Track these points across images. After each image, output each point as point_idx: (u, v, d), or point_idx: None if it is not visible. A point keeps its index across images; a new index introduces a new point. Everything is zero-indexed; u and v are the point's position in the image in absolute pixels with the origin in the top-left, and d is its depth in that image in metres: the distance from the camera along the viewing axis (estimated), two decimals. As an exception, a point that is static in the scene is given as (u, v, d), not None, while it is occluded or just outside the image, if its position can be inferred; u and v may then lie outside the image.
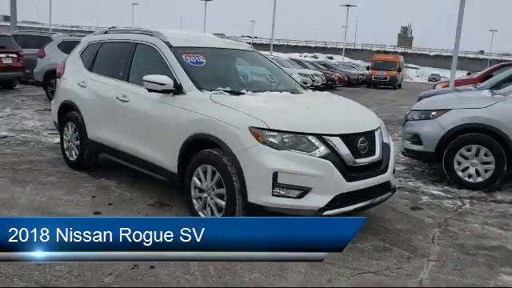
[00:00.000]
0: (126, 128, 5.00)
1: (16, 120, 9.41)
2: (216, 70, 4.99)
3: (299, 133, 3.72)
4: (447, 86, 14.04)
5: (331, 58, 70.15)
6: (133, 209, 4.68)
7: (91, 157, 5.84)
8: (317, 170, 3.65)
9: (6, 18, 61.55)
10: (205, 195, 4.09)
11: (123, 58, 5.29)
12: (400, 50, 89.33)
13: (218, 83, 4.60)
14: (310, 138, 3.73)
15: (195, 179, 4.15)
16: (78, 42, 12.03)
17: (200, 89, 4.36)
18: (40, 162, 6.26)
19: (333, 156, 3.74)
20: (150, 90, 4.48)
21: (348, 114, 4.34)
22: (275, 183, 3.60)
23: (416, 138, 6.14)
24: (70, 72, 6.06)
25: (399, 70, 35.44)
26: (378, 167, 4.10)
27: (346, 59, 64.54)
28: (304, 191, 3.64)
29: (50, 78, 11.90)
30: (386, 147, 4.26)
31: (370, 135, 4.13)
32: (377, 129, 4.27)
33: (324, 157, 3.70)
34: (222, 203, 3.92)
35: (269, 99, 4.27)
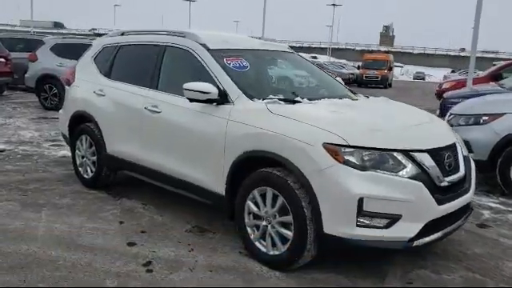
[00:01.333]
0: (156, 142, 4.37)
1: (11, 130, 8.67)
2: (261, 74, 4.40)
3: (384, 149, 3.15)
4: (455, 84, 13.63)
5: (315, 57, 69.66)
6: (170, 237, 4.05)
7: (109, 174, 5.19)
8: (407, 193, 3.08)
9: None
10: (263, 223, 3.49)
11: (149, 63, 4.65)
12: (383, 48, 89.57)
13: (267, 90, 4.02)
14: (395, 154, 3.16)
15: (250, 204, 3.55)
16: (73, 45, 11.44)
17: (250, 97, 3.76)
18: (49, 181, 5.58)
19: (422, 175, 3.17)
20: (192, 100, 3.86)
21: (427, 125, 3.78)
22: (360, 211, 3.02)
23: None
24: (83, 79, 5.39)
25: (390, 69, 35.22)
26: (463, 185, 3.56)
27: (332, 58, 64.26)
28: (393, 219, 3.07)
29: (43, 84, 11.17)
30: (467, 161, 3.72)
31: (453, 149, 3.58)
32: (457, 141, 3.73)
33: (413, 177, 3.13)
34: (288, 233, 3.32)
35: (334, 108, 3.68)
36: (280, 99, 3.74)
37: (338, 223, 3.08)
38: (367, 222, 3.05)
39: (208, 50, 4.20)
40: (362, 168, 3.07)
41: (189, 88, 3.81)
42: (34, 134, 8.42)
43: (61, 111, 5.85)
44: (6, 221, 4.26)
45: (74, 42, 11.45)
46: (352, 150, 3.12)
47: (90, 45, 10.76)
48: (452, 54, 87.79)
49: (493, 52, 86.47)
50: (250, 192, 3.54)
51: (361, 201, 3.00)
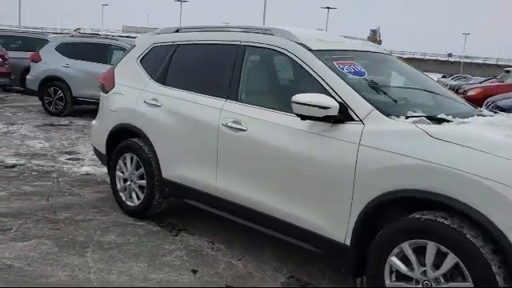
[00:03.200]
0: (238, 168, 3.43)
1: (17, 140, 7.59)
2: (382, 83, 3.46)
3: None
4: (485, 90, 12.89)
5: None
6: (266, 294, 3.10)
7: (162, 202, 4.21)
8: None
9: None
10: None
11: (223, 67, 3.71)
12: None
13: (401, 104, 3.09)
14: None
15: (395, 260, 2.62)
16: (81, 44, 10.36)
17: (386, 114, 2.83)
18: (81, 208, 4.57)
19: None
20: (304, 117, 2.91)
21: None
22: None
23: None
24: (126, 85, 4.41)
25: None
26: None
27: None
28: None
29: (48, 87, 10.09)
30: None
31: None
32: None
33: None
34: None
35: (502, 131, 2.76)
36: (426, 117, 2.82)
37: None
38: None
39: (310, 50, 3.26)
40: None
41: (301, 101, 2.87)
42: (45, 145, 7.36)
43: (94, 123, 4.84)
44: (44, 269, 3.28)
45: (82, 41, 10.39)
46: None
47: (104, 44, 9.86)
48: (441, 59, 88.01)
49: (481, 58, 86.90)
50: (395, 245, 2.61)
51: None
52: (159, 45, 4.33)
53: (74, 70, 9.93)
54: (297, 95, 2.89)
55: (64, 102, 10.03)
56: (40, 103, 10.92)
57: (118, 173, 4.45)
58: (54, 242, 3.74)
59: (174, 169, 3.91)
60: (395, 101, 3.16)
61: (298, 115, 2.94)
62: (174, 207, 4.47)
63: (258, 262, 3.56)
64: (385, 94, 3.23)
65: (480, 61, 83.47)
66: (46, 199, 4.78)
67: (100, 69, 9.56)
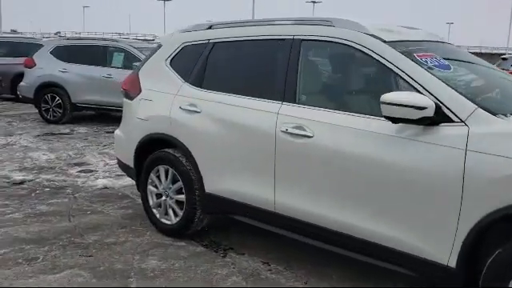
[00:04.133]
0: (303, 180, 3.00)
1: (18, 152, 7.06)
2: (469, 77, 3.04)
3: None
4: None
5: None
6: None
7: (204, 218, 3.77)
8: None
9: None
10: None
11: (274, 66, 3.29)
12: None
13: (501, 100, 2.69)
14: None
15: (519, 284, 2.21)
16: (79, 47, 9.79)
17: (492, 113, 2.42)
18: (109, 228, 4.11)
19: None
20: (396, 120, 2.49)
21: None
22: None
23: None
24: (156, 90, 3.95)
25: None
26: None
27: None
28: None
29: (45, 93, 9.54)
30: None
31: None
32: None
33: None
34: None
35: None
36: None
37: None
38: None
39: (384, 42, 2.84)
40: None
41: (392, 101, 2.45)
42: (50, 156, 6.84)
43: (119, 133, 4.37)
44: (88, 309, 2.80)
45: (79, 44, 9.82)
46: None
47: (103, 46, 9.32)
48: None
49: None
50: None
51: None
52: (191, 44, 3.88)
53: (72, 74, 9.39)
54: (387, 94, 2.47)
55: (62, 109, 9.48)
56: (35, 111, 10.36)
57: (150, 187, 3.99)
58: (89, 272, 3.28)
59: (220, 182, 3.47)
60: (496, 97, 2.75)
61: (387, 118, 2.52)
62: (212, 222, 4.02)
63: (328, 284, 3.13)
64: (480, 89, 2.82)
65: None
66: (68, 220, 4.31)
67: (100, 72, 9.07)
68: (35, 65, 9.73)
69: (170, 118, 3.73)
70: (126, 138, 4.20)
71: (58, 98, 9.49)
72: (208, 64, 3.69)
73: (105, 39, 9.69)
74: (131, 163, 4.15)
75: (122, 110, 8.97)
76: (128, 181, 5.52)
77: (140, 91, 4.08)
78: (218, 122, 3.43)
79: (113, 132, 8.97)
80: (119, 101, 9.03)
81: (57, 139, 8.09)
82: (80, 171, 6.06)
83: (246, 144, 3.26)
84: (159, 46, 4.18)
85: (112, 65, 9.30)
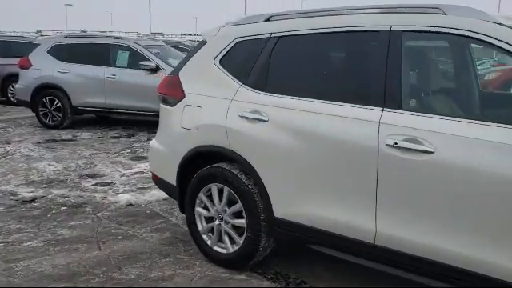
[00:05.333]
0: (419, 206, 2.42)
1: (21, 162, 6.37)
2: None
3: None
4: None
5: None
6: None
7: (268, 246, 3.17)
8: None
9: None
10: None
11: (365, 64, 2.72)
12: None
13: None
14: None
15: None
16: (79, 46, 9.05)
17: None
18: (149, 257, 3.50)
19: None
20: None
21: None
22: None
23: None
24: (205, 94, 3.33)
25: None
26: None
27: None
28: None
29: (43, 96, 8.82)
30: None
31: None
32: None
33: None
34: None
35: None
36: None
37: None
38: None
39: (514, 30, 2.28)
40: None
41: None
42: (57, 167, 6.17)
43: (156, 145, 3.74)
44: None
45: (79, 42, 9.08)
46: None
47: (106, 44, 8.62)
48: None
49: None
50: None
51: None
52: (246, 39, 3.26)
53: (73, 75, 8.68)
54: None
55: (62, 113, 8.77)
56: (30, 115, 9.66)
57: (199, 209, 3.37)
58: (143, 321, 2.66)
59: (296, 205, 2.87)
60: None
61: None
62: (274, 248, 3.42)
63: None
64: None
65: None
66: (97, 247, 3.68)
67: (103, 72, 8.39)
68: (31, 65, 9.00)
69: (225, 127, 3.12)
70: (166, 151, 3.57)
71: (57, 100, 8.79)
72: (272, 62, 3.09)
73: (108, 36, 8.96)
74: (173, 180, 3.53)
75: (128, 113, 8.44)
76: (153, 195, 4.92)
77: (183, 96, 3.46)
78: (292, 133, 2.83)
79: (119, 137, 8.37)
80: (126, 103, 8.42)
81: (60, 147, 7.40)
82: (95, 184, 5.41)
83: (335, 160, 2.67)
84: (203, 43, 3.56)
85: (117, 64, 8.62)
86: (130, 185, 5.38)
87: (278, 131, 2.89)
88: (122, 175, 5.79)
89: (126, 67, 8.54)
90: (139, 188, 5.25)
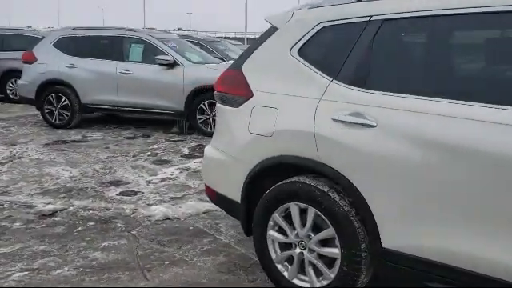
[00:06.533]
0: None
1: (31, 167, 5.72)
2: None
3: None
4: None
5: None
6: None
7: (366, 281, 2.55)
8: None
9: None
10: None
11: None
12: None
13: None
14: None
15: None
16: (88, 39, 8.35)
17: None
18: (212, 291, 2.86)
19: None
20: None
21: None
22: None
23: None
24: (281, 92, 2.73)
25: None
26: None
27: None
28: None
29: (49, 93, 8.14)
30: None
31: None
32: None
33: None
34: None
35: None
36: None
37: None
38: None
39: None
40: None
41: None
42: (73, 173, 5.52)
43: (213, 153, 3.11)
44: None
45: (89, 34, 8.39)
46: None
47: (118, 37, 7.93)
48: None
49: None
50: None
51: None
52: (334, 24, 2.64)
53: (82, 70, 8.01)
54: None
55: (70, 111, 8.11)
56: (33, 113, 9.02)
57: (273, 233, 2.75)
58: None
59: (418, 234, 2.25)
60: None
61: None
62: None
63: None
64: None
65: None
66: (143, 276, 3.06)
67: (115, 67, 7.73)
68: (36, 60, 8.31)
69: (314, 133, 2.50)
70: (228, 161, 2.95)
71: (64, 98, 8.12)
72: (374, 52, 2.46)
73: (120, 28, 8.28)
74: (236, 196, 2.91)
75: (142, 112, 7.75)
76: (191, 206, 4.33)
77: (251, 94, 2.84)
78: (415, 143, 2.21)
79: (133, 137, 7.67)
80: (140, 101, 7.75)
81: (72, 149, 6.74)
82: (121, 193, 4.77)
83: (481, 177, 2.05)
84: (272, 30, 2.93)
85: (130, 59, 7.96)
86: (161, 194, 4.76)
87: (393, 139, 2.27)
88: (149, 182, 5.16)
89: (140, 62, 7.88)
90: (172, 198, 4.63)
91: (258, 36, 3.19)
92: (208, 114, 7.55)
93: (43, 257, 3.32)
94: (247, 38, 41.67)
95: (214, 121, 7.54)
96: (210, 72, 7.55)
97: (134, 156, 6.35)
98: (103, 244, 3.56)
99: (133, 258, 3.31)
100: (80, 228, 3.87)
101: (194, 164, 5.92)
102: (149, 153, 6.54)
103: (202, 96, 7.48)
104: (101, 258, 3.33)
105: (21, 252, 3.39)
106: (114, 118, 9.17)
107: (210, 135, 7.36)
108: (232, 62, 8.96)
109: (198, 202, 4.49)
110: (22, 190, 4.86)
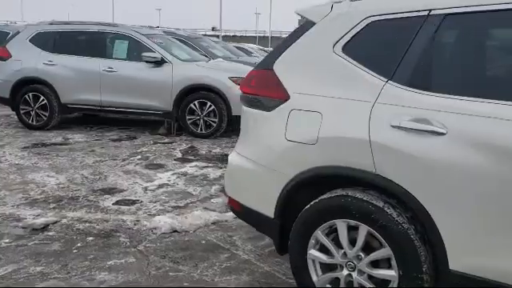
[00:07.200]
0: None
1: (12, 174, 5.25)
2: None
3: None
4: None
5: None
6: None
7: (424, 306, 2.28)
8: None
9: None
10: None
11: None
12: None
13: None
14: None
15: None
16: (68, 33, 7.81)
17: None
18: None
19: None
20: None
21: None
22: None
23: None
24: (325, 95, 2.43)
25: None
26: None
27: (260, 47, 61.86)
28: None
29: (25, 92, 7.60)
30: None
31: None
32: None
33: None
34: None
35: None
36: None
37: None
38: None
39: None
40: None
41: None
42: (60, 179, 5.09)
43: (241, 162, 2.77)
44: None
45: (68, 29, 7.86)
46: None
47: (99, 32, 7.46)
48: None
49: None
50: None
51: None
52: (386, 18, 2.36)
53: (62, 68, 7.51)
54: None
55: (49, 112, 7.59)
56: (5, 112, 8.46)
57: (315, 253, 2.46)
58: None
59: (489, 255, 2.00)
60: None
61: None
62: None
63: None
64: None
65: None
66: (162, 304, 2.69)
67: (98, 65, 7.27)
68: (10, 56, 7.76)
69: (369, 141, 2.20)
70: (259, 171, 2.63)
71: (42, 97, 7.59)
72: (437, 50, 2.19)
73: (102, 24, 7.80)
74: (269, 211, 2.59)
75: (127, 112, 7.29)
76: (198, 217, 4.00)
77: (286, 97, 2.52)
78: (498, 154, 1.94)
79: (119, 140, 7.20)
80: (125, 101, 7.29)
81: (54, 152, 6.27)
82: (118, 203, 4.38)
83: None
84: (308, 25, 2.62)
85: (114, 56, 7.50)
86: (162, 203, 4.39)
87: (466, 148, 2.00)
88: (146, 189, 4.78)
89: (125, 59, 7.44)
90: (174, 207, 4.28)
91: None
92: (199, 115, 7.17)
93: (42, 280, 2.93)
94: (222, 36, 41.35)
95: (204, 122, 7.19)
96: (200, 70, 7.20)
97: (123, 160, 5.94)
98: (109, 263, 3.18)
99: (146, 279, 2.96)
100: (79, 244, 3.48)
101: (190, 169, 5.56)
102: (139, 156, 6.13)
103: (191, 96, 7.10)
104: (108, 279, 2.96)
105: (15, 275, 2.99)
106: (94, 118, 8.68)
107: (201, 137, 7.16)
108: (219, 59, 8.69)
109: (204, 211, 4.15)
110: (6, 200, 4.41)
